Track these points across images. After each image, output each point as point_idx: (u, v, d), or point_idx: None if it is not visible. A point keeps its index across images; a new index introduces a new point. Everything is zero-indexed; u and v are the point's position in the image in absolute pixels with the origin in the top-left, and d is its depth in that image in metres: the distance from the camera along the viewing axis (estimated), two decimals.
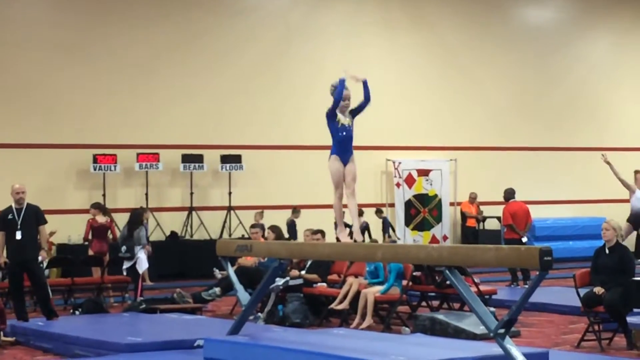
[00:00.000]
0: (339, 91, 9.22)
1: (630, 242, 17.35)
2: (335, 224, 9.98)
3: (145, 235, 17.03)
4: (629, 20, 27.97)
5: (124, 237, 16.99)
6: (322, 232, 14.92)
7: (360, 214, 22.29)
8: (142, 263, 16.71)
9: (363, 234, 21.93)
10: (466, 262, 8.60)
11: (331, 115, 9.29)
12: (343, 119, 9.29)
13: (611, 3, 27.81)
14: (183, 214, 22.23)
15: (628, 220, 18.91)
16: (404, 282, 13.67)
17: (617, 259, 11.60)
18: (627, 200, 19.89)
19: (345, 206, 9.45)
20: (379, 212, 23.54)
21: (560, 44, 27.16)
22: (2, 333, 12.50)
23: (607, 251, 11.76)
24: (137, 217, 17.38)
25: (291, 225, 21.87)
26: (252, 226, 17.09)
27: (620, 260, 11.59)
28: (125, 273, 16.84)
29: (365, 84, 9.31)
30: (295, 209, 22.28)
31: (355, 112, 9.41)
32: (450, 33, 25.68)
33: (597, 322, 11.61)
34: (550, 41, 27.03)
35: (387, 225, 23.27)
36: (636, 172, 19.97)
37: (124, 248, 16.74)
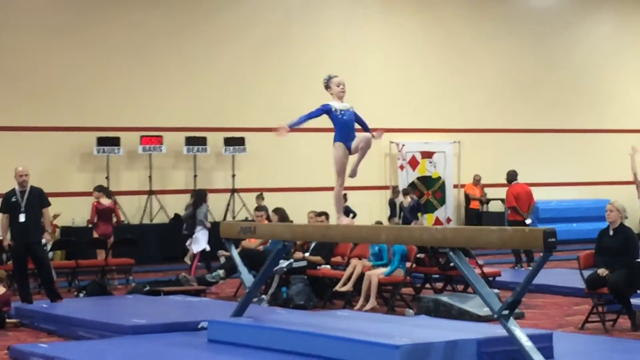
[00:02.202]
0: (305, 118, 9.25)
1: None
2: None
3: (204, 213, 17.47)
4: (630, 2, 27.86)
5: (187, 216, 18.10)
6: (326, 214, 14.93)
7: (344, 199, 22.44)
8: (198, 242, 17.12)
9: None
10: (470, 243, 8.62)
11: (322, 112, 9.26)
12: (339, 105, 9.27)
13: None
14: (187, 197, 22.18)
15: None
16: (408, 264, 13.68)
17: (621, 241, 11.60)
18: (631, 182, 19.84)
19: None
20: (419, 194, 23.66)
21: (562, 26, 27.08)
22: (6, 315, 12.53)
23: (611, 233, 11.76)
24: (200, 197, 18.08)
25: (392, 204, 22.88)
26: (257, 209, 17.11)
27: (624, 241, 11.59)
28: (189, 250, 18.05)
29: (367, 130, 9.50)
30: (396, 190, 23.16)
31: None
32: (452, 16, 25.61)
33: (601, 304, 11.62)
34: (552, 23, 26.95)
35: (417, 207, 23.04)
36: None
37: (184, 226, 18.02)
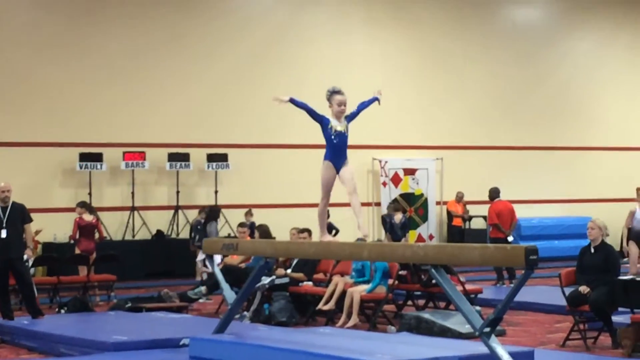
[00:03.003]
0: (306, 107, 9.20)
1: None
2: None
3: (215, 231, 17.75)
4: (613, 20, 28.02)
5: (198, 230, 19.10)
6: (308, 231, 14.92)
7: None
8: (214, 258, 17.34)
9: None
10: (452, 261, 8.61)
11: (318, 120, 9.22)
12: (338, 125, 9.21)
13: (596, 3, 27.86)
14: (169, 213, 22.20)
15: (631, 239, 17.75)
16: (390, 281, 13.69)
17: (602, 258, 11.63)
18: (613, 200, 19.97)
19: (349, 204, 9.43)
20: (403, 210, 23.59)
21: (545, 43, 27.21)
22: None
23: (592, 250, 11.80)
24: (213, 213, 19.10)
25: (384, 221, 22.70)
26: (240, 225, 17.07)
27: (605, 259, 11.62)
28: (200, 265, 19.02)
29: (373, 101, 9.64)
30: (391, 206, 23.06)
31: (351, 117, 9.39)
32: (436, 32, 25.69)
33: (582, 321, 11.65)
34: (535, 40, 27.07)
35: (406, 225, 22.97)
36: (638, 189, 19.97)
37: (196, 238, 19.13)
